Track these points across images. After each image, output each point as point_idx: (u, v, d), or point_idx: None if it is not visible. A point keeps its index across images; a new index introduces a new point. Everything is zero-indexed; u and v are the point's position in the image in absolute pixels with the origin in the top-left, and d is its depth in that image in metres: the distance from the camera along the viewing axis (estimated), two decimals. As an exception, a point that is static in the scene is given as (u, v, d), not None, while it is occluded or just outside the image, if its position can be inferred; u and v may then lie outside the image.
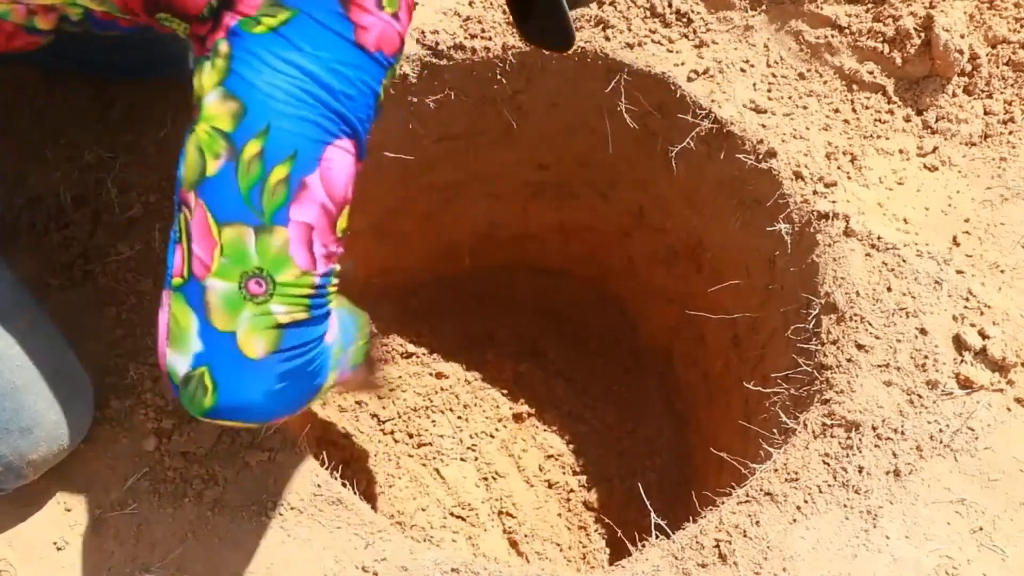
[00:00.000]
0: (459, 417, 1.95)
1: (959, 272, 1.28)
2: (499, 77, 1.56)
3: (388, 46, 0.84)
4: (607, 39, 1.54)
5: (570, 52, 0.96)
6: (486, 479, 1.87)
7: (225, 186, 0.79)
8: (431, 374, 2.01)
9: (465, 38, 1.52)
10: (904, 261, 1.29)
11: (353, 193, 0.85)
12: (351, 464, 1.83)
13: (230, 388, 0.81)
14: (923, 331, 1.23)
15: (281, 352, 0.82)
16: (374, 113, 0.86)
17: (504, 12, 1.54)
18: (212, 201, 0.80)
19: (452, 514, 1.82)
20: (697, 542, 1.13)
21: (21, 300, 1.08)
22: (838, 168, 1.41)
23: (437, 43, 1.47)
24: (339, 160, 0.82)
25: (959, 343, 1.22)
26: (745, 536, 1.12)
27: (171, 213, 1.33)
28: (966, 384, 1.19)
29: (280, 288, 0.81)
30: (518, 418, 1.97)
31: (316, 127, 0.80)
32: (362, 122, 0.84)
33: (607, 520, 1.83)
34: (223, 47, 0.80)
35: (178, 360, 0.81)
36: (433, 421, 1.94)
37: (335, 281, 0.88)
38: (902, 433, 1.17)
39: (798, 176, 1.40)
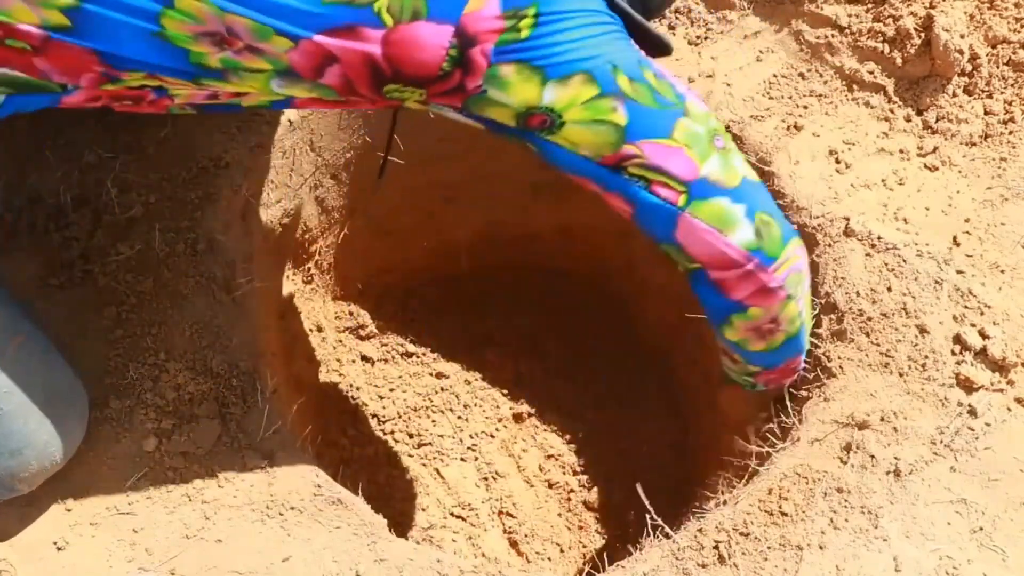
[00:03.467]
0: (459, 417, 1.95)
1: (959, 272, 1.28)
2: (499, 77, 1.56)
3: None
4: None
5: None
6: (486, 479, 1.87)
7: (642, 114, 0.89)
8: (431, 374, 2.01)
9: (465, 38, 1.52)
10: (904, 261, 1.29)
11: None
12: (351, 464, 1.83)
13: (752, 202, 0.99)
14: (923, 331, 1.23)
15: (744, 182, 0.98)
16: None
17: None
18: (648, 131, 0.90)
19: (452, 514, 1.82)
20: (697, 542, 1.13)
21: (13, 320, 1.07)
22: (838, 168, 1.41)
23: None
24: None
25: (959, 343, 1.22)
26: (745, 536, 1.12)
27: (171, 213, 1.33)
28: (966, 384, 1.19)
29: (719, 129, 0.96)
30: (518, 418, 1.97)
31: (618, 40, 0.89)
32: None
33: (607, 520, 1.83)
34: (505, 69, 0.84)
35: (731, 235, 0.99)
36: (433, 421, 1.94)
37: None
38: (903, 433, 1.17)
39: (798, 176, 1.40)
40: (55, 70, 0.84)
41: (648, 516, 1.24)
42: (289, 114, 1.48)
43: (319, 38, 0.80)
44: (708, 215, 0.95)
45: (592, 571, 1.75)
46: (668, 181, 0.93)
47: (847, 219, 1.34)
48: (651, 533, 1.18)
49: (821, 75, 1.50)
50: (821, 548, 1.09)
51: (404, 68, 0.83)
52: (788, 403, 1.26)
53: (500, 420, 1.96)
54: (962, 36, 1.42)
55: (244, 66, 0.83)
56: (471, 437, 1.92)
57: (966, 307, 1.25)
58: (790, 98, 1.49)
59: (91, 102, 0.92)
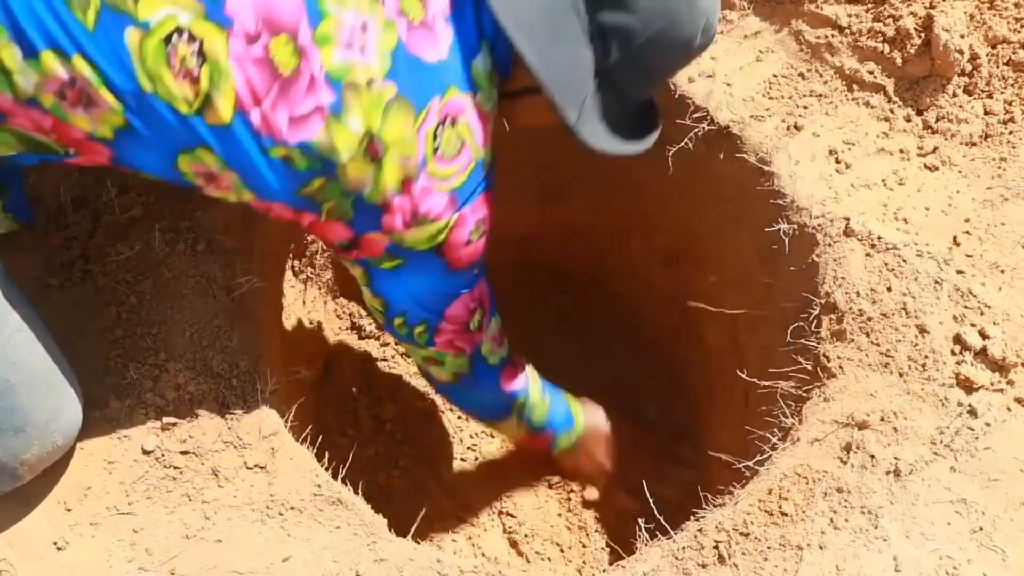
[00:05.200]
0: (459, 417, 1.95)
1: (959, 272, 1.28)
2: (499, 77, 1.56)
3: (476, 257, 1.16)
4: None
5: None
6: (486, 479, 1.87)
7: (390, 328, 1.25)
8: (431, 374, 2.00)
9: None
10: (904, 261, 1.29)
11: (480, 301, 1.26)
12: (351, 464, 1.83)
13: (441, 392, 1.48)
14: (923, 331, 1.23)
15: (458, 383, 1.36)
16: (480, 270, 1.22)
17: None
18: (386, 328, 1.28)
19: (452, 514, 1.82)
20: (697, 542, 1.13)
21: (14, 296, 1.07)
22: (838, 168, 1.41)
23: None
24: (458, 307, 1.21)
25: (959, 343, 1.22)
26: (745, 536, 1.12)
27: (171, 213, 1.34)
28: (966, 384, 1.19)
29: (447, 364, 1.30)
30: (518, 418, 1.97)
31: (433, 313, 1.20)
32: (471, 284, 1.20)
33: (607, 520, 1.83)
34: (358, 269, 1.17)
35: None
36: (433, 421, 1.94)
37: (491, 338, 1.32)
38: (903, 433, 1.17)
39: (798, 176, 1.40)
40: (77, 154, 1.01)
41: (648, 516, 1.24)
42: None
43: (276, 206, 1.06)
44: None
45: (592, 571, 1.75)
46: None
47: (847, 219, 1.34)
48: (651, 533, 1.18)
49: (821, 75, 1.50)
50: (821, 548, 1.09)
51: (314, 233, 1.14)
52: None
53: (500, 420, 1.96)
54: (962, 36, 1.42)
55: (218, 193, 1.06)
56: (471, 437, 1.92)
57: (966, 307, 1.25)
58: (790, 98, 1.49)
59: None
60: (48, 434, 1.07)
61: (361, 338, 2.01)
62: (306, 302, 1.80)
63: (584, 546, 1.81)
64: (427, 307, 1.19)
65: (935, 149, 1.42)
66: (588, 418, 1.69)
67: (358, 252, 1.12)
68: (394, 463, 1.87)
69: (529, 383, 1.47)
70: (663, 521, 1.20)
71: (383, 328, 1.40)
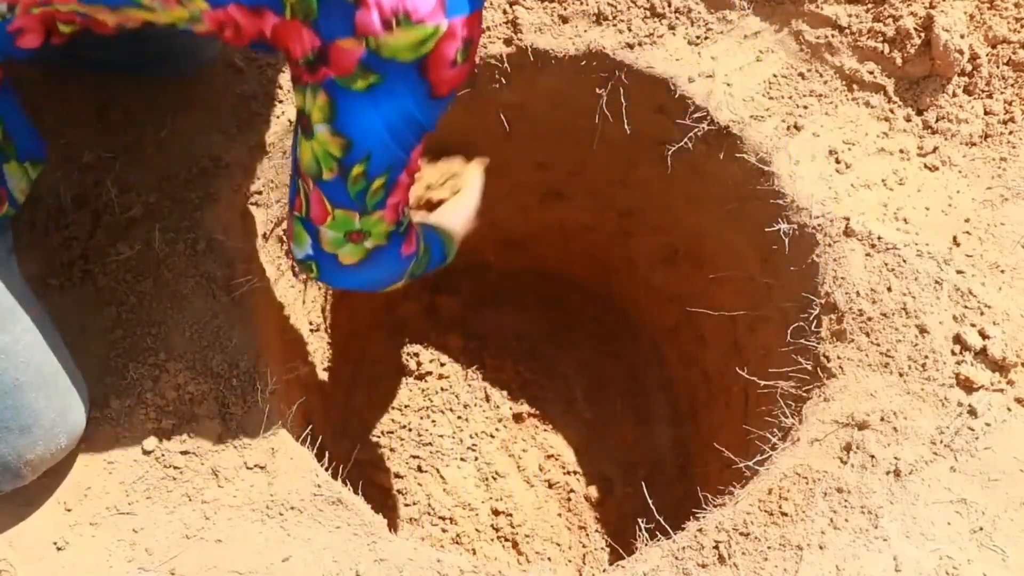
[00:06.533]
0: (459, 417, 1.95)
1: (959, 272, 1.28)
2: (499, 77, 1.56)
3: (459, 83, 1.01)
4: (607, 39, 1.54)
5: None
6: (486, 479, 1.87)
7: (337, 189, 1.05)
8: (431, 374, 2.01)
9: (465, 38, 1.51)
10: (904, 261, 1.29)
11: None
12: (351, 464, 1.83)
13: (330, 278, 1.17)
14: (923, 331, 1.23)
15: (366, 260, 1.14)
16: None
17: (504, 12, 1.53)
18: (327, 193, 1.06)
19: (452, 514, 1.82)
20: (697, 542, 1.13)
21: (27, 296, 1.08)
22: (838, 168, 1.41)
23: None
24: (416, 155, 1.07)
25: (959, 343, 1.22)
26: (745, 536, 1.12)
27: (171, 213, 1.33)
28: (966, 384, 1.19)
29: (373, 236, 1.11)
30: (518, 418, 1.97)
31: (403, 150, 1.04)
32: (433, 122, 1.05)
33: (607, 520, 1.83)
34: (322, 96, 1.00)
35: (297, 251, 1.15)
36: (433, 421, 1.94)
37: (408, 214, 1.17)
38: (903, 433, 1.17)
39: (798, 176, 1.40)
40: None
41: (648, 516, 1.24)
42: (289, 114, 1.48)
43: (233, 10, 0.98)
44: (296, 230, 1.14)
45: (592, 571, 1.75)
46: (307, 207, 1.10)
47: (847, 219, 1.34)
48: (651, 533, 1.18)
49: (821, 75, 1.50)
50: (821, 548, 1.10)
51: (279, 45, 1.02)
52: None
53: (500, 420, 1.96)
54: (962, 36, 1.42)
55: (164, 9, 0.99)
56: (471, 437, 1.92)
57: (966, 307, 1.25)
58: (790, 98, 1.49)
59: (32, 32, 1.03)
60: (53, 435, 1.07)
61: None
62: (306, 302, 1.80)
63: (584, 546, 1.81)
64: (399, 143, 1.04)
65: (935, 149, 1.42)
66: (459, 237, 1.52)
67: (327, 69, 0.97)
68: (394, 463, 1.87)
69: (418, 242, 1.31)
70: (662, 520, 1.20)
71: (324, 188, 1.07)
